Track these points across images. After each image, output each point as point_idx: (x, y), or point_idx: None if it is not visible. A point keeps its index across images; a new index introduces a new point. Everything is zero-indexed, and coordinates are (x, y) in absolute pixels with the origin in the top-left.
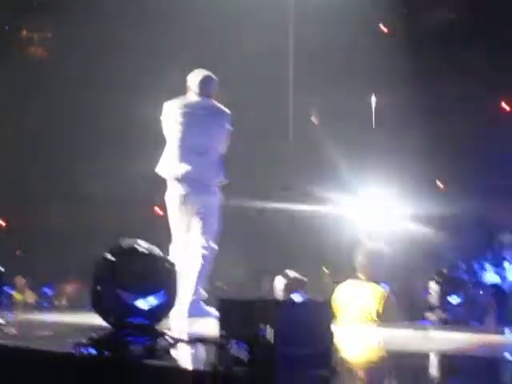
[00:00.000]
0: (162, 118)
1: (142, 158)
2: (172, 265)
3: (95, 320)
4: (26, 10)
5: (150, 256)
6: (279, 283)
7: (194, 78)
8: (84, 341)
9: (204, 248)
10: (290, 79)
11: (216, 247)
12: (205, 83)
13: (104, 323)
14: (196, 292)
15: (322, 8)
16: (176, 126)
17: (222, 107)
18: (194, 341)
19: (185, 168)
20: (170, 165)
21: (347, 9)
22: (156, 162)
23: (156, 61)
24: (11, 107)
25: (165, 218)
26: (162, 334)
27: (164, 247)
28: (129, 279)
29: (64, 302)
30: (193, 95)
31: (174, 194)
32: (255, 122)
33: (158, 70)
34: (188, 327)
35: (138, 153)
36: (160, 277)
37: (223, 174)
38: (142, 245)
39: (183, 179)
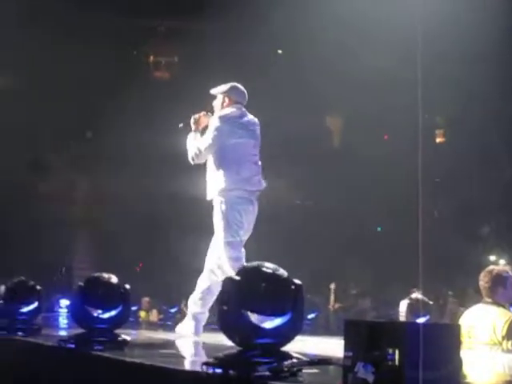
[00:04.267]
0: (219, 133)
1: None
2: (298, 286)
3: (221, 340)
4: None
5: (275, 276)
6: (404, 306)
7: (236, 91)
8: (210, 360)
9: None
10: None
11: None
12: (244, 94)
13: (230, 343)
14: None
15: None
16: (236, 142)
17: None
18: (319, 362)
19: (258, 180)
20: (238, 178)
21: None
22: None
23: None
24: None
25: None
26: (288, 356)
27: None
28: (254, 300)
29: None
30: (235, 109)
31: (236, 207)
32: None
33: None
34: (314, 348)
35: None
36: (286, 298)
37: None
38: (267, 266)
39: (252, 191)
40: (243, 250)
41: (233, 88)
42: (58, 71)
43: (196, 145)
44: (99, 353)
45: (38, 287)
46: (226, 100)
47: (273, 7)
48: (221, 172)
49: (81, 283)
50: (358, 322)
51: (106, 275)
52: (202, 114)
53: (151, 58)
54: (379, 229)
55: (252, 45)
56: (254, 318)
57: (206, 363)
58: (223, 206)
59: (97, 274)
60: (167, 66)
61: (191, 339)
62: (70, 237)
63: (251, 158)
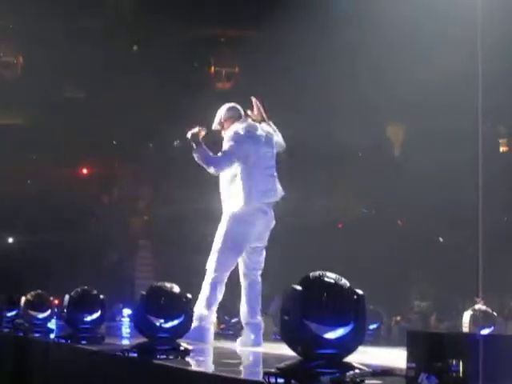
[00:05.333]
0: (240, 144)
1: None
2: (360, 296)
3: (284, 349)
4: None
5: (337, 286)
6: (468, 317)
7: (227, 111)
8: (272, 370)
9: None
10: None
11: None
12: (236, 108)
13: (292, 353)
14: None
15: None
16: (255, 156)
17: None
18: (382, 373)
19: (274, 191)
20: (257, 190)
21: None
22: None
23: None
24: None
25: None
26: (351, 366)
27: None
28: (316, 310)
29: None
30: (245, 124)
31: (252, 219)
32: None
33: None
34: (376, 359)
35: None
36: (348, 308)
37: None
38: (330, 275)
39: (269, 203)
40: (238, 259)
41: (223, 111)
42: (121, 83)
43: (214, 159)
44: (161, 362)
45: (102, 296)
46: (228, 123)
47: (331, 15)
48: (238, 186)
49: (143, 292)
50: (421, 333)
51: (168, 284)
52: (198, 129)
53: (212, 68)
54: (441, 239)
55: (312, 54)
56: (316, 328)
57: (267, 373)
58: (234, 219)
59: (159, 284)
60: (228, 76)
61: (253, 349)
62: (133, 247)
63: (267, 170)
